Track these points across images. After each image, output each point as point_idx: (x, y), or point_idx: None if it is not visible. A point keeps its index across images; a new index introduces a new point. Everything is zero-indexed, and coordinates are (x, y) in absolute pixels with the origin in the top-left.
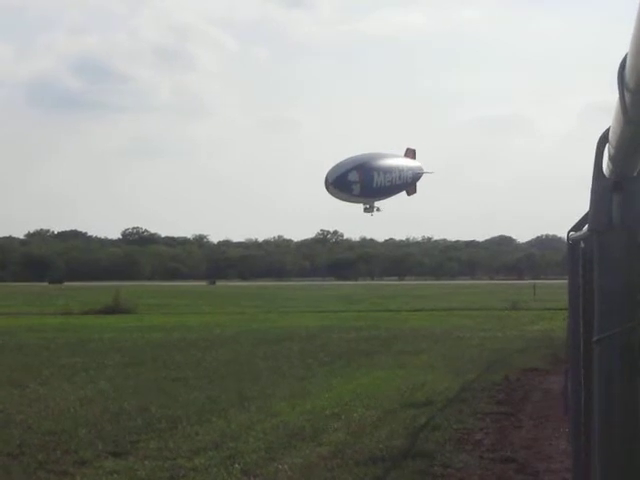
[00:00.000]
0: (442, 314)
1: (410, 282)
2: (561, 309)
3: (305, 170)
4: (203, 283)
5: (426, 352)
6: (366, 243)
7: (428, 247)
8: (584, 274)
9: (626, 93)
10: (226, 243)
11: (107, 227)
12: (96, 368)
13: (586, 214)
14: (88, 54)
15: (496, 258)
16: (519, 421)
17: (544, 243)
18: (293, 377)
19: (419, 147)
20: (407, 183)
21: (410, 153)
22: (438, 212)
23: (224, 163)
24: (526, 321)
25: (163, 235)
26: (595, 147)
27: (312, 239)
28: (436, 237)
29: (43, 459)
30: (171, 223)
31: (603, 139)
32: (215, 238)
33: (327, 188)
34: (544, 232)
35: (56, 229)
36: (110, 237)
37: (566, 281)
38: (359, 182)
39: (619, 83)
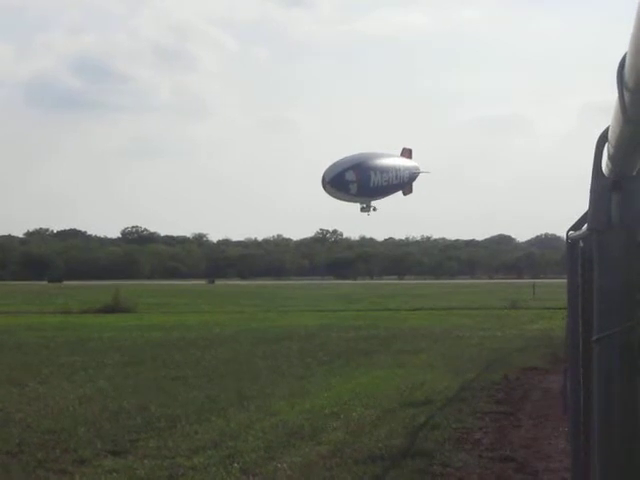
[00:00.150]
0: (441, 313)
1: (409, 281)
2: (560, 308)
3: (304, 170)
4: (202, 282)
5: (425, 351)
6: (365, 242)
7: (427, 246)
8: (583, 273)
9: (625, 92)
10: (225, 242)
11: (106, 226)
12: (95, 367)
13: (585, 213)
14: (88, 54)
15: (495, 257)
16: (518, 420)
17: (543, 242)
18: (292, 376)
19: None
20: (404, 183)
21: (406, 153)
22: (437, 211)
23: (224, 163)
24: (525, 320)
25: (162, 234)
26: (594, 146)
27: (311, 238)
28: (435, 236)
29: (42, 458)
30: (170, 222)
31: (602, 138)
32: (214, 237)
33: (324, 187)
34: (543, 231)
35: (55, 228)
36: (109, 236)
37: (565, 280)
38: (356, 181)
39: (618, 82)
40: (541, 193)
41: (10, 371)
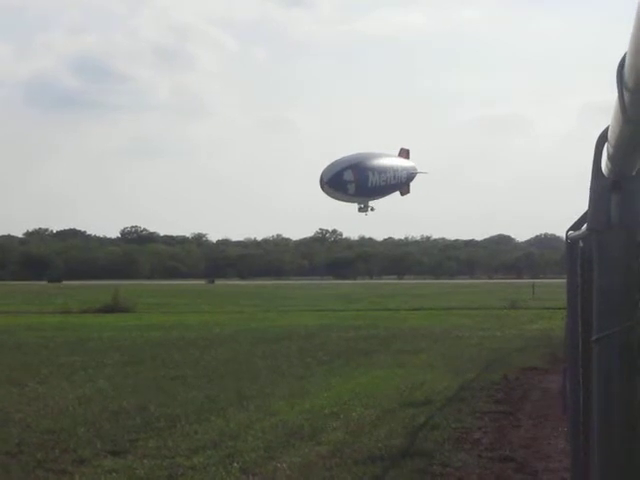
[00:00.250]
0: (441, 313)
1: (409, 281)
2: (560, 308)
3: (304, 169)
4: (202, 282)
5: (425, 351)
6: (365, 242)
7: (427, 246)
8: (583, 273)
9: (625, 92)
10: (225, 242)
11: (106, 226)
12: (95, 367)
13: (585, 213)
14: (87, 54)
15: (495, 257)
16: (518, 420)
17: (543, 242)
18: (292, 376)
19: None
20: (401, 183)
21: (404, 153)
22: (437, 211)
23: (223, 163)
24: (525, 320)
25: (162, 234)
26: (594, 146)
27: (311, 238)
28: (435, 236)
29: (42, 458)
30: (170, 222)
31: (602, 138)
32: (214, 237)
33: (322, 187)
34: (543, 231)
35: (55, 228)
36: (109, 236)
37: (565, 280)
38: (354, 181)
39: (618, 82)
40: (541, 193)
41: (10, 371)
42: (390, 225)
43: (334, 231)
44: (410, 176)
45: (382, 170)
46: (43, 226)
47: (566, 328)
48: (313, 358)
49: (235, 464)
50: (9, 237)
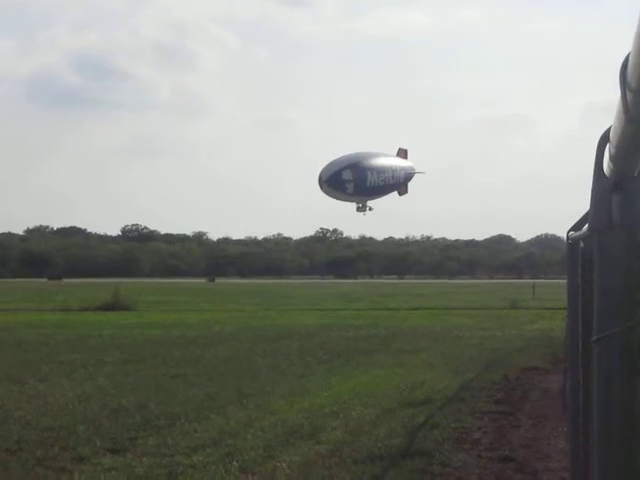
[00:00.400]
0: (441, 313)
1: (409, 281)
2: (560, 308)
3: (304, 168)
4: (202, 280)
5: (425, 351)
6: (365, 241)
7: (427, 246)
8: (583, 274)
9: (628, 92)
10: (225, 240)
11: (106, 224)
12: (95, 365)
13: (586, 214)
14: (89, 51)
15: (496, 257)
16: (518, 420)
17: (544, 242)
18: (292, 375)
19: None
20: (399, 183)
21: (402, 153)
22: (438, 211)
23: (224, 162)
24: (525, 320)
25: (162, 232)
26: (596, 147)
27: (311, 237)
28: (435, 236)
29: (41, 455)
30: (170, 220)
31: (604, 139)
32: (214, 235)
33: (321, 186)
34: (544, 231)
35: (55, 225)
36: (109, 234)
37: (565, 280)
38: (353, 181)
39: (621, 82)
40: (541, 193)
41: (10, 368)
42: (391, 225)
43: (335, 230)
44: (408, 176)
45: (381, 170)
46: (44, 223)
47: (566, 328)
48: (313, 357)
49: (235, 462)
50: (9, 234)
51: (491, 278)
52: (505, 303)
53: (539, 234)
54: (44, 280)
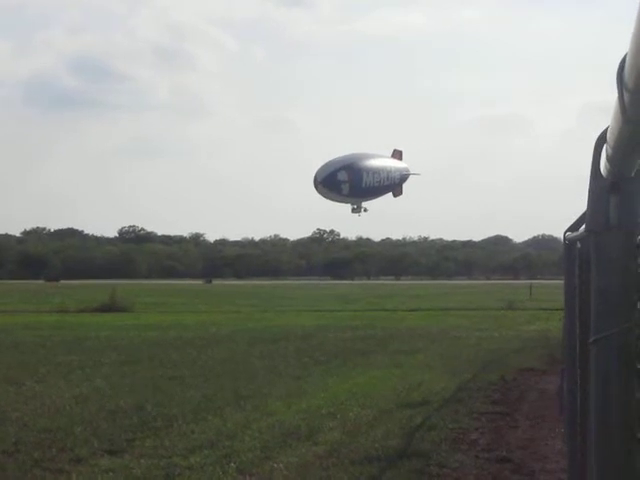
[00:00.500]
0: (438, 314)
1: (406, 282)
2: (557, 309)
3: (303, 170)
4: (199, 282)
5: (422, 352)
6: (362, 242)
7: (424, 247)
8: (581, 274)
9: (625, 93)
10: (222, 242)
11: (103, 225)
12: (92, 366)
13: (583, 214)
14: (87, 53)
15: (493, 258)
16: (515, 421)
17: (540, 243)
18: (289, 376)
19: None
20: (394, 184)
21: (397, 154)
22: (435, 212)
23: (222, 163)
24: (522, 321)
25: (159, 234)
26: (593, 147)
27: (308, 238)
28: (433, 237)
29: (39, 457)
30: (167, 222)
31: (601, 139)
32: (211, 237)
33: (316, 187)
34: (541, 232)
35: (52, 227)
36: (106, 235)
37: (562, 281)
38: (348, 182)
39: (618, 83)
40: (539, 194)
41: (7, 370)
42: (388, 225)
43: (332, 231)
44: (403, 177)
45: (376, 171)
46: (41, 225)
47: (564, 329)
48: (310, 358)
49: (232, 464)
50: (6, 236)
51: (488, 279)
52: (502, 304)
53: (536, 235)
54: (41, 282)
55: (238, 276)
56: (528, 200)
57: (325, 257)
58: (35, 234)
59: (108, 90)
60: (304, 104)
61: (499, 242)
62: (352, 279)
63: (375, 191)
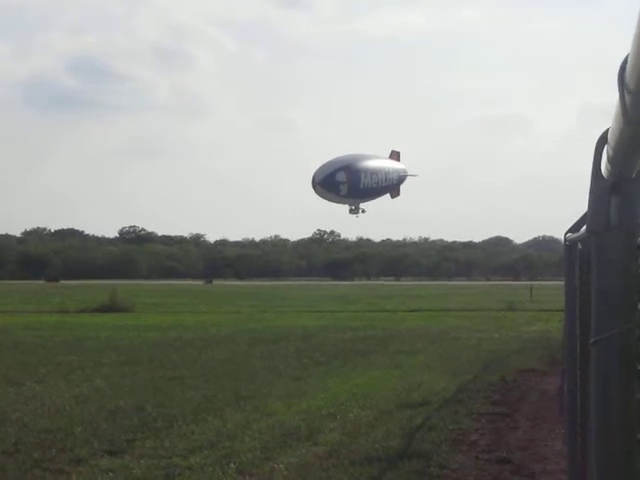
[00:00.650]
0: (439, 314)
1: (406, 282)
2: (557, 310)
3: (303, 170)
4: (200, 282)
5: (422, 352)
6: (362, 243)
7: (425, 247)
8: (581, 275)
9: (626, 94)
10: (223, 242)
11: (104, 226)
12: (92, 366)
13: (584, 215)
14: (87, 54)
15: (493, 259)
16: (515, 422)
17: (541, 244)
18: (289, 377)
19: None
20: (392, 185)
21: (395, 155)
22: (435, 212)
23: (222, 163)
24: (522, 322)
25: (160, 234)
26: (594, 148)
27: (309, 239)
28: (433, 237)
29: (39, 457)
30: (168, 222)
31: (602, 140)
32: (212, 237)
33: (314, 188)
34: (541, 233)
35: (53, 227)
36: (107, 236)
37: (563, 282)
38: (347, 183)
39: (619, 84)
40: (539, 194)
41: (7, 370)
42: (388, 226)
43: (332, 232)
44: (401, 178)
45: (374, 172)
46: (41, 225)
47: (564, 330)
48: (310, 359)
49: (232, 464)
50: (7, 236)
51: (488, 280)
52: (502, 305)
53: (536, 236)
54: (41, 282)
55: (238, 277)
56: (529, 201)
57: (325, 258)
58: (35, 234)
59: (108, 90)
60: (304, 104)
61: (499, 243)
62: (352, 280)
63: (373, 192)
